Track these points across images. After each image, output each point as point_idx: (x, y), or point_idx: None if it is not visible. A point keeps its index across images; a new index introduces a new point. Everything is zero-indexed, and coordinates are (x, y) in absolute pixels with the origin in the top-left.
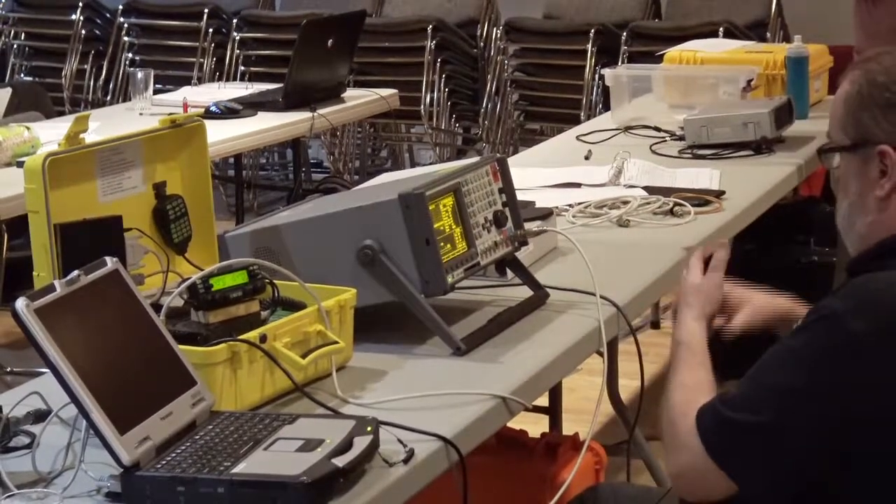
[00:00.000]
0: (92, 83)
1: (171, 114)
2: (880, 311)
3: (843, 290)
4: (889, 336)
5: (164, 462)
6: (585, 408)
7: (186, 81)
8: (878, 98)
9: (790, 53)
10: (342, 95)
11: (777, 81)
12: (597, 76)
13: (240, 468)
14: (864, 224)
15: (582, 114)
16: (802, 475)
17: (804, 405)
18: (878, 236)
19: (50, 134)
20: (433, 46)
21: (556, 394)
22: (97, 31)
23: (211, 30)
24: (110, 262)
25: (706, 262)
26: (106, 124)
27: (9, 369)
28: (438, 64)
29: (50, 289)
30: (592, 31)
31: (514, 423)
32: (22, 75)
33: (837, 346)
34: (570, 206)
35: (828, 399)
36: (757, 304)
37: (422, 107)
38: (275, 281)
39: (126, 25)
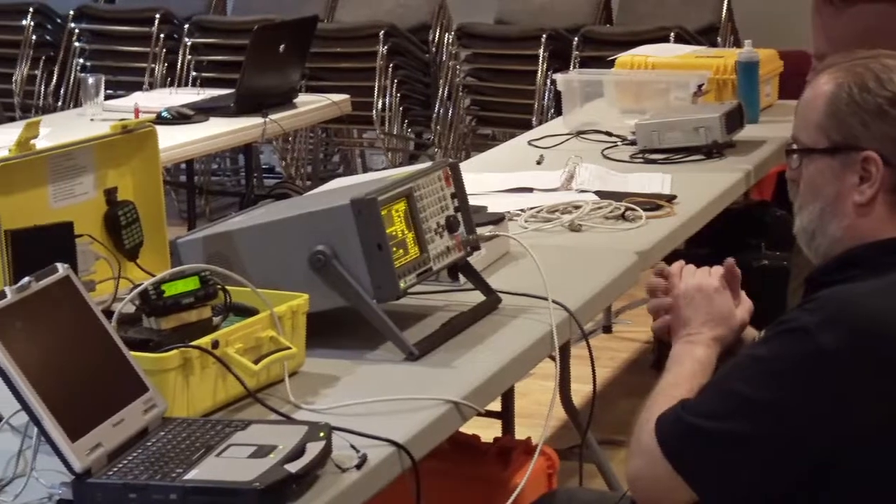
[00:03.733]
0: (43, 89)
1: (122, 119)
2: (849, 325)
3: (811, 302)
4: (857, 351)
5: (115, 469)
6: (538, 412)
7: (138, 87)
8: (870, 103)
9: (741, 58)
10: (294, 101)
11: (728, 86)
12: (548, 81)
13: (192, 475)
14: (840, 227)
15: (534, 119)
16: (763, 487)
17: (768, 417)
18: (853, 241)
19: (0, 140)
20: (385, 51)
21: (508, 398)
22: (48, 37)
23: (162, 35)
24: (61, 269)
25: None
26: (57, 130)
27: None
28: (390, 69)
29: (0, 295)
30: (544, 36)
31: (467, 428)
32: None
33: (806, 361)
34: (522, 210)
35: (793, 413)
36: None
37: (374, 112)
38: (227, 287)
39: (77, 31)
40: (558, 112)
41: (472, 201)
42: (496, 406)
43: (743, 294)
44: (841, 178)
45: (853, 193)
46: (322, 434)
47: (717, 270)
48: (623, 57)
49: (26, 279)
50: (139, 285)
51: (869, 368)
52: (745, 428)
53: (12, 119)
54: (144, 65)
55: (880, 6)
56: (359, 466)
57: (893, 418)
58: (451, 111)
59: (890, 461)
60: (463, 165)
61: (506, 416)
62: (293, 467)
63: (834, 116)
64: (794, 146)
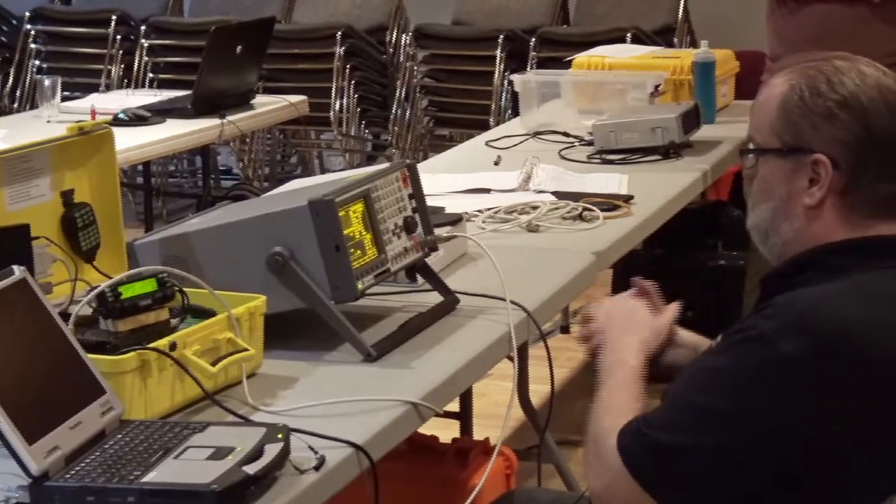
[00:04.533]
0: None
1: (78, 121)
2: (809, 330)
3: (768, 309)
4: (818, 357)
5: (73, 472)
6: (496, 413)
7: (94, 88)
8: (820, 107)
9: (697, 59)
10: (251, 102)
11: (684, 87)
12: (506, 82)
13: (150, 477)
14: (791, 230)
15: (491, 119)
16: (727, 496)
17: (730, 428)
18: (803, 245)
19: None
20: (342, 53)
21: (466, 399)
22: (3, 38)
23: (119, 37)
24: (18, 271)
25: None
26: (13, 132)
27: None
28: (348, 70)
29: None
30: (501, 37)
31: (425, 429)
32: None
33: (766, 369)
34: (479, 211)
35: (755, 422)
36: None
37: (331, 113)
38: (184, 288)
39: (33, 32)
40: (515, 113)
41: (430, 202)
42: (454, 407)
43: (666, 304)
44: (792, 180)
45: (803, 196)
46: (280, 435)
47: (630, 292)
48: (580, 58)
49: None
50: (96, 287)
51: (830, 374)
52: (708, 439)
53: None
54: (101, 66)
55: (832, 7)
56: (317, 468)
57: (854, 421)
58: (408, 112)
59: (851, 466)
60: (420, 166)
61: (464, 416)
62: (251, 469)
63: (785, 118)
64: (750, 145)
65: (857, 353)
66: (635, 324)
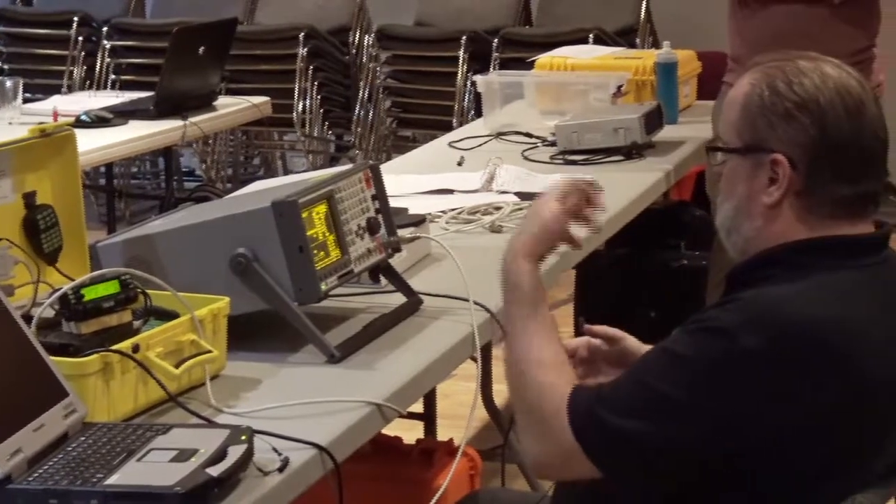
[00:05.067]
0: None
1: (40, 123)
2: (771, 327)
3: (733, 303)
4: (780, 353)
5: (36, 474)
6: (460, 413)
7: (56, 90)
8: (777, 106)
9: (659, 59)
10: (214, 103)
11: (647, 87)
12: (469, 83)
13: (113, 479)
14: (752, 228)
15: (454, 120)
16: (679, 484)
17: (686, 418)
18: (765, 243)
19: None
20: (305, 53)
21: (430, 400)
22: None
23: (81, 38)
24: None
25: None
26: None
27: None
28: (311, 71)
29: None
30: (464, 37)
31: (390, 430)
32: None
33: (729, 362)
34: (442, 212)
35: (711, 413)
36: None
37: (294, 114)
38: (148, 290)
39: None
40: (478, 114)
41: (393, 203)
42: (418, 408)
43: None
44: (752, 179)
45: (762, 195)
46: (244, 437)
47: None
48: (542, 58)
49: None
50: (59, 289)
51: (789, 370)
52: (661, 427)
53: None
54: (63, 68)
55: (793, 7)
56: (281, 469)
57: (811, 419)
58: (371, 113)
59: (811, 464)
60: (383, 167)
61: (428, 417)
62: (215, 471)
63: (746, 118)
64: (718, 143)
65: (819, 351)
66: (527, 219)
